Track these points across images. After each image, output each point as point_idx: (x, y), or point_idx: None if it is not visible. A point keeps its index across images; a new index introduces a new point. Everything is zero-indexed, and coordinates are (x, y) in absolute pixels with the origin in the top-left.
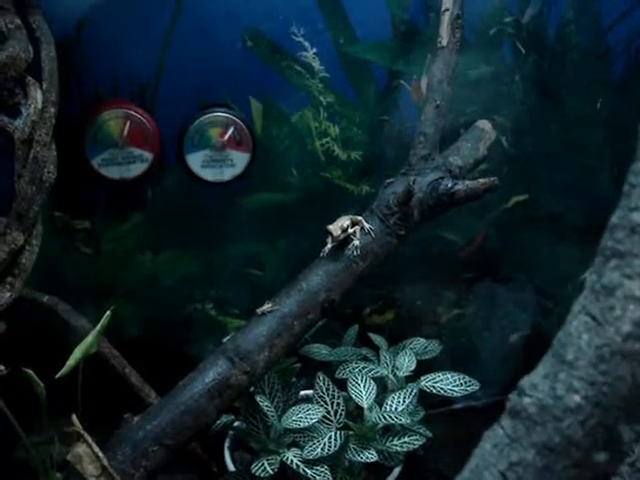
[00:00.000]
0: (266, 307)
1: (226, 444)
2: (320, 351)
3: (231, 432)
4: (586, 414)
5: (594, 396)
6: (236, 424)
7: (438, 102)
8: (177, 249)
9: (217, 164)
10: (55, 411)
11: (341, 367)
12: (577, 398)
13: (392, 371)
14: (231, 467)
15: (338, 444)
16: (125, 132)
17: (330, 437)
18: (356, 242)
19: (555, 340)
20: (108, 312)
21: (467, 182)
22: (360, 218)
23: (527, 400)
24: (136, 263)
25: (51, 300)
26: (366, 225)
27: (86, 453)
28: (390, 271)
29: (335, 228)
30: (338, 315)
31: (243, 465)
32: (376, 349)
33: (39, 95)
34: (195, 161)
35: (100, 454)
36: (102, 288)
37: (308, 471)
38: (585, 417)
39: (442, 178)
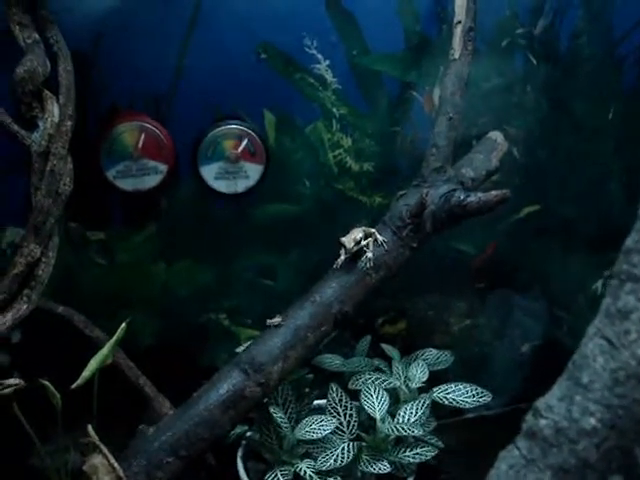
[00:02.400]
0: (276, 320)
1: (239, 454)
2: (333, 361)
3: (244, 442)
4: (601, 437)
5: (609, 419)
6: (249, 434)
7: (451, 114)
8: (191, 260)
9: (231, 176)
10: (70, 420)
11: (354, 378)
12: (593, 421)
13: (404, 382)
14: (244, 477)
15: (351, 455)
16: (140, 144)
17: (343, 448)
18: (369, 254)
19: (570, 362)
20: (123, 324)
21: (479, 194)
22: (373, 230)
23: (543, 422)
24: (150, 274)
25: (66, 311)
26: (379, 237)
27: (102, 464)
28: (402, 281)
29: (348, 240)
30: (350, 325)
31: (256, 475)
32: (388, 359)
33: (56, 109)
34: (209, 173)
35: (116, 465)
36: (116, 298)
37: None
38: (600, 440)
39: (454, 190)
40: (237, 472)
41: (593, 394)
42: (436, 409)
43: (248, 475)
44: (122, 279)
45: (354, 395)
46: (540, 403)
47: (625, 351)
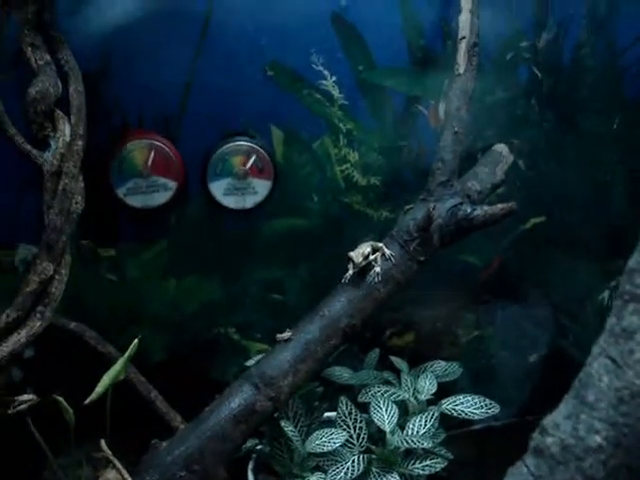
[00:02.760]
0: (286, 334)
1: (250, 467)
2: (342, 374)
3: (255, 455)
4: (607, 454)
5: (615, 437)
6: (259, 447)
7: (456, 129)
8: (200, 275)
9: (239, 192)
10: (83, 435)
11: (363, 391)
12: (598, 439)
13: (413, 394)
14: None
15: (361, 468)
16: (149, 162)
17: (353, 461)
18: (377, 268)
19: (576, 380)
20: (135, 341)
21: (486, 208)
22: (381, 244)
23: (550, 440)
24: (160, 289)
25: (78, 327)
26: (387, 251)
27: (116, 478)
28: (409, 294)
29: (356, 255)
30: (358, 338)
31: None
32: (397, 372)
33: (67, 128)
34: (218, 189)
35: (129, 479)
36: (127, 314)
37: None
38: (606, 457)
39: (461, 204)
40: None
41: (598, 412)
42: (444, 420)
43: None
44: (132, 295)
45: (363, 408)
46: (547, 421)
47: (629, 370)
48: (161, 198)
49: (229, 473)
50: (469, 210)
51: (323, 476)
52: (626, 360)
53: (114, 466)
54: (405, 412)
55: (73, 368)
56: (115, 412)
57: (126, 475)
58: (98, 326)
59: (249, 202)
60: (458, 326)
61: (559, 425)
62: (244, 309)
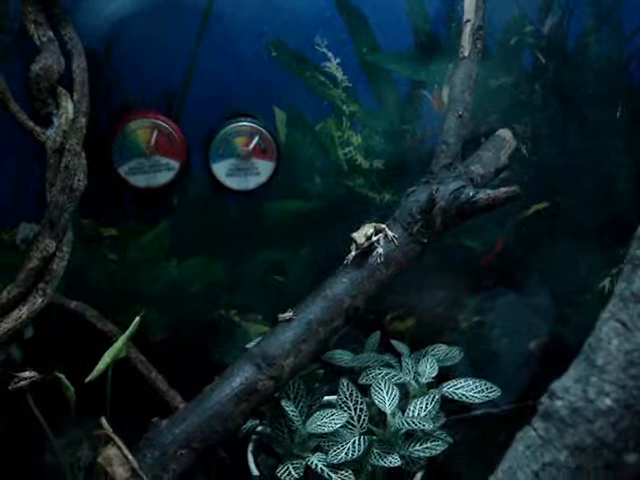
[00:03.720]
0: (287, 314)
1: (250, 449)
2: (343, 357)
3: (255, 437)
4: (617, 416)
5: (625, 399)
6: (260, 429)
7: (460, 112)
8: (202, 256)
9: (242, 173)
10: (82, 416)
11: (364, 373)
12: (608, 401)
13: (414, 377)
14: (255, 471)
15: (362, 449)
16: (152, 141)
17: (354, 442)
18: (380, 250)
19: (586, 345)
20: (137, 318)
21: (489, 191)
22: (383, 226)
23: (559, 403)
24: (161, 270)
25: (79, 306)
26: (390, 233)
27: (116, 455)
28: (411, 278)
29: (359, 236)
30: (359, 321)
31: (267, 469)
32: (398, 355)
33: (70, 105)
34: (221, 170)
35: (130, 456)
36: (128, 294)
37: (332, 475)
38: (616, 419)
39: (464, 187)
40: (247, 466)
41: (608, 375)
42: (442, 406)
43: (258, 469)
44: (134, 275)
45: (364, 391)
46: (556, 385)
47: (639, 333)
48: (163, 178)
49: (229, 455)
50: (472, 193)
51: (324, 457)
52: (636, 323)
53: (114, 443)
54: (406, 395)
55: (73, 348)
56: (115, 392)
57: (126, 452)
58: (99, 306)
59: (252, 183)
60: (459, 311)
61: (568, 389)
62: (245, 291)
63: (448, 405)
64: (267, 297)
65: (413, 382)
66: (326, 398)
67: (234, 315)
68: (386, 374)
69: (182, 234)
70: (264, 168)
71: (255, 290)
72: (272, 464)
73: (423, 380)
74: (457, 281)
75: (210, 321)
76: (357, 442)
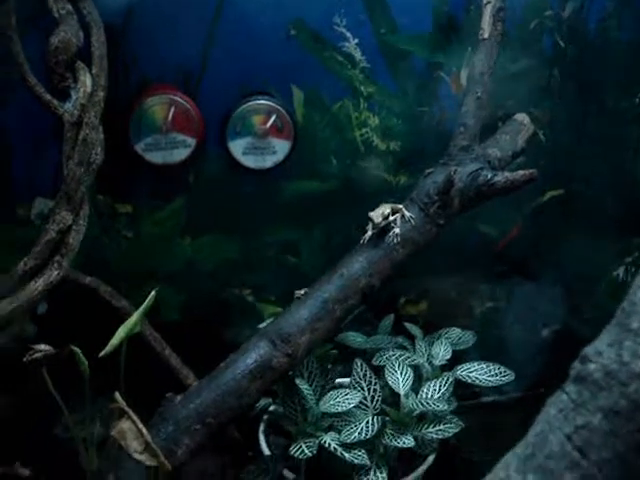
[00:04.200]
0: (303, 291)
1: (261, 428)
2: (356, 339)
3: (266, 417)
4: None
5: None
6: (272, 408)
7: (479, 94)
8: (216, 234)
9: (259, 151)
10: (96, 392)
11: (378, 354)
12: None
13: (428, 360)
14: (266, 450)
15: (375, 429)
16: (169, 118)
17: (367, 422)
18: (397, 230)
19: (619, 310)
20: (152, 293)
21: (506, 174)
22: (400, 206)
23: (592, 366)
24: (176, 248)
25: (94, 282)
26: (407, 213)
27: (130, 429)
28: (425, 262)
29: (376, 215)
30: (373, 304)
31: (278, 449)
32: (411, 338)
33: (88, 79)
34: (237, 148)
35: (144, 430)
36: (142, 271)
37: (346, 454)
38: None
39: (482, 169)
40: (259, 446)
41: None
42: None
43: (270, 449)
44: (148, 252)
45: (377, 373)
46: (589, 349)
47: None
48: (180, 155)
49: (240, 434)
50: (490, 175)
51: (337, 436)
52: None
53: (128, 417)
54: (419, 378)
55: (87, 325)
56: (129, 370)
57: (140, 425)
58: (113, 283)
59: (268, 162)
60: (472, 297)
61: (602, 352)
62: (259, 270)
63: (459, 391)
64: (281, 277)
65: (427, 364)
66: (338, 380)
67: (248, 295)
68: (400, 355)
69: (197, 212)
70: (281, 147)
71: (269, 270)
72: (283, 444)
73: (437, 362)
74: (471, 266)
75: (224, 300)
76: (370, 422)
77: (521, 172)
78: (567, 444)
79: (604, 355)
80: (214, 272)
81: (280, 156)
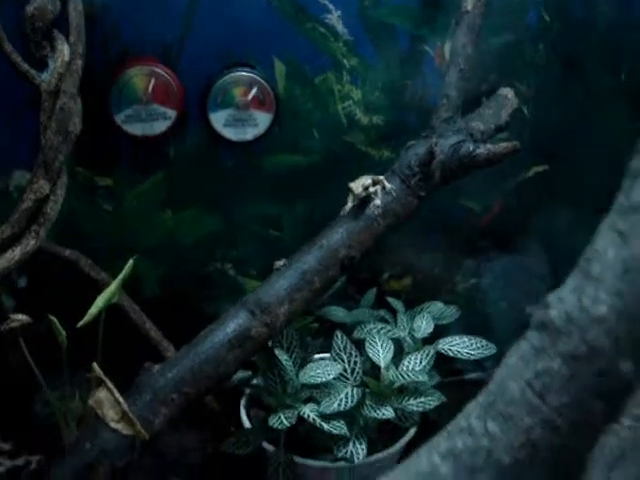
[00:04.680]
0: (282, 262)
1: (242, 403)
2: (337, 313)
3: (247, 391)
4: (612, 324)
5: (620, 306)
6: (253, 382)
7: (462, 66)
8: (198, 208)
9: (240, 123)
10: (75, 366)
11: (359, 327)
12: (603, 309)
13: (409, 333)
14: (247, 424)
15: (355, 400)
16: (150, 89)
17: (347, 393)
18: (377, 201)
19: (581, 259)
20: (130, 261)
21: (489, 146)
22: (381, 178)
23: (553, 312)
24: (156, 221)
25: (73, 254)
26: (387, 185)
27: (107, 398)
28: (408, 237)
29: (357, 186)
30: (355, 280)
31: (258, 422)
32: (394, 313)
33: (66, 48)
34: (218, 120)
35: (120, 399)
36: (122, 245)
37: (325, 425)
38: (611, 327)
39: (464, 141)
40: (239, 419)
41: (604, 284)
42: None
43: (251, 422)
44: (128, 226)
45: (358, 348)
46: (551, 297)
47: (637, 241)
48: (160, 127)
49: (221, 408)
50: (472, 147)
51: (316, 407)
52: (633, 231)
53: (105, 385)
54: (400, 352)
55: (66, 298)
56: (108, 344)
57: (117, 394)
58: (92, 256)
59: (249, 134)
60: (456, 273)
61: (563, 299)
62: (241, 245)
63: (441, 368)
64: (263, 251)
65: (408, 338)
66: (318, 356)
67: (229, 269)
68: (381, 329)
69: (178, 185)
70: (262, 119)
71: (251, 244)
72: (264, 417)
73: (418, 336)
74: (454, 242)
75: (205, 275)
76: (350, 394)
77: (503, 144)
78: (527, 390)
79: (565, 301)
80: (195, 246)
81: (261, 129)
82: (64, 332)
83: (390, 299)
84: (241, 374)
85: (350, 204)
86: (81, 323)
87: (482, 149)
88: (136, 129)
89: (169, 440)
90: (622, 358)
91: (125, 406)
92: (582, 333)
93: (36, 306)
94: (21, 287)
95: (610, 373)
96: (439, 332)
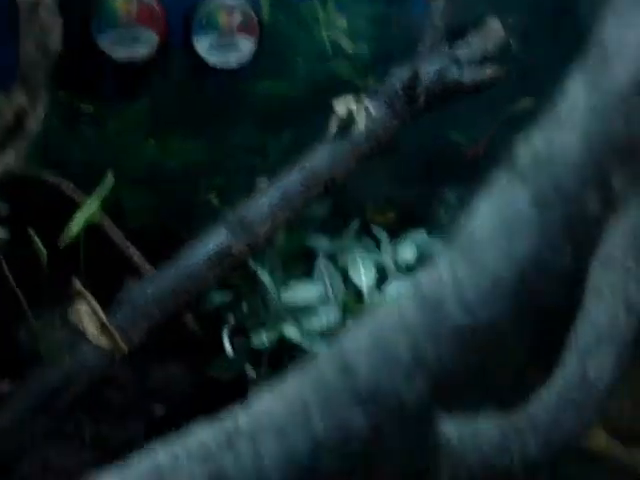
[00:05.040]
0: (265, 180)
1: (225, 332)
2: (321, 241)
3: (230, 320)
4: (580, 164)
5: (588, 147)
6: (235, 309)
7: None
8: (182, 135)
9: (224, 48)
10: (56, 296)
11: (342, 254)
12: (573, 151)
13: (393, 259)
14: (229, 350)
15: (337, 319)
16: (133, 11)
17: (328, 314)
18: (360, 124)
19: (550, 104)
20: (109, 175)
21: (474, 71)
22: (366, 100)
23: (522, 152)
24: (140, 149)
25: (55, 179)
26: (371, 108)
27: (86, 311)
28: (393, 170)
29: (340, 107)
30: (340, 213)
31: (242, 351)
32: (378, 244)
33: None
34: (202, 44)
35: (100, 311)
36: (105, 173)
37: (306, 344)
38: (578, 167)
39: (449, 66)
40: (221, 345)
41: (572, 125)
42: None
43: (234, 351)
44: (111, 153)
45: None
46: (520, 138)
47: (605, 81)
48: (143, 51)
49: (204, 335)
50: (457, 72)
51: (298, 327)
52: (601, 73)
53: (85, 298)
54: (383, 280)
55: (49, 225)
56: (90, 270)
57: (97, 306)
58: (75, 182)
59: (233, 60)
60: (441, 206)
61: (534, 143)
62: (225, 173)
63: None
64: (247, 180)
65: (391, 264)
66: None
67: (213, 198)
68: (364, 256)
69: (162, 113)
70: (246, 45)
71: (235, 173)
72: (246, 342)
73: (402, 262)
74: (441, 175)
75: (189, 205)
76: (332, 314)
77: (488, 70)
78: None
79: (535, 145)
80: (179, 175)
81: (245, 54)
82: (45, 250)
83: (374, 227)
84: (224, 296)
85: (334, 126)
86: (62, 242)
87: (467, 74)
88: (119, 52)
89: (153, 369)
90: (589, 198)
91: (104, 318)
92: (550, 173)
93: (19, 233)
94: (2, 215)
95: (577, 214)
96: (424, 263)
